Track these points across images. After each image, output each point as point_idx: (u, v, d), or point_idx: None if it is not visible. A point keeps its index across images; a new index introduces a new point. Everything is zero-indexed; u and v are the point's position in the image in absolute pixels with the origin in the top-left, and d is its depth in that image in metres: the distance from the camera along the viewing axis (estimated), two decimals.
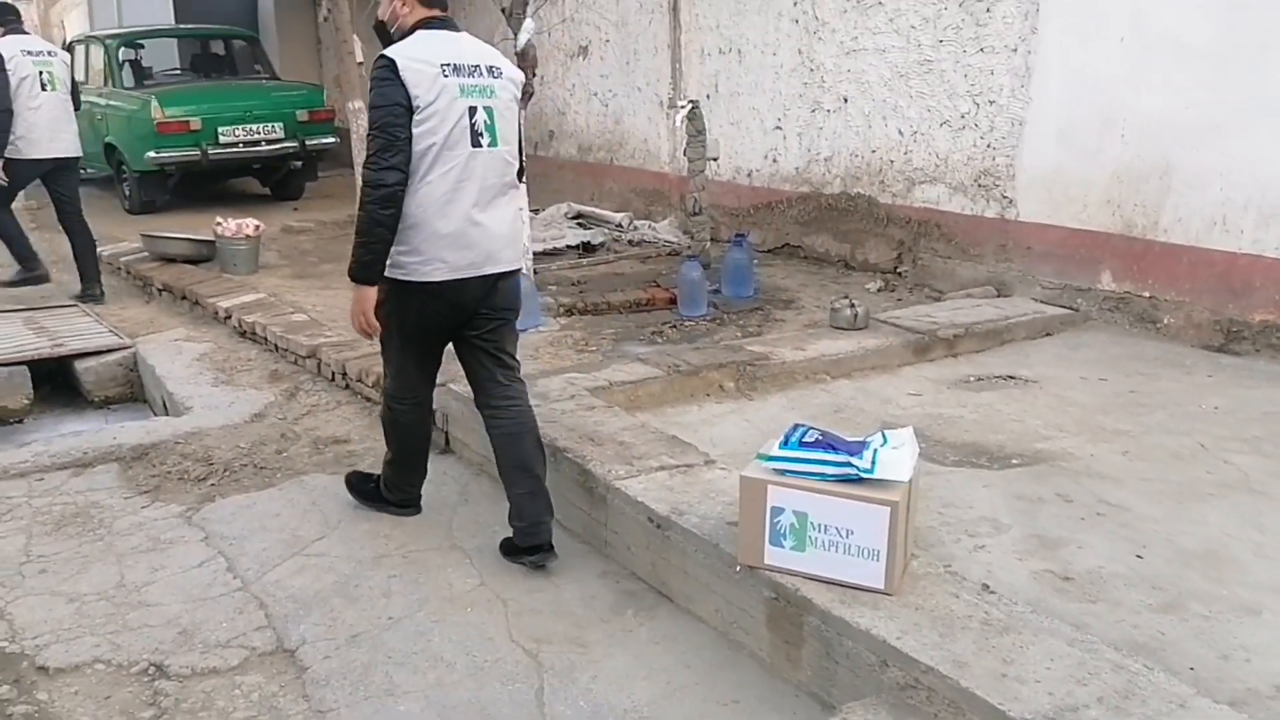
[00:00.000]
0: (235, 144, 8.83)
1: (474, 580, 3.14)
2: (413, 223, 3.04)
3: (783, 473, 2.56)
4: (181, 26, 11.21)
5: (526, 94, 6.44)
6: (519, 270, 3.38)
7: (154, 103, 8.46)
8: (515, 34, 6.28)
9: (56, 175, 6.81)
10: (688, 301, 5.79)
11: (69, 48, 10.27)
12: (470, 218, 3.09)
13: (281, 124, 9.03)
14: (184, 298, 6.47)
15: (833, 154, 6.80)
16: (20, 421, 5.26)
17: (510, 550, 3.24)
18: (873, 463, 2.49)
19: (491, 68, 3.13)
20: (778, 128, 7.17)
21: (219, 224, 6.91)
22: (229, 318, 5.91)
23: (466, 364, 3.33)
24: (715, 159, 6.67)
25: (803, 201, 7.04)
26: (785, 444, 2.60)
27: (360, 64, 8.63)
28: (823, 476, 2.52)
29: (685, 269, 5.82)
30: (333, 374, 4.92)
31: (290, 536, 3.45)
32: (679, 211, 8.09)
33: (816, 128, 6.88)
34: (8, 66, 6.41)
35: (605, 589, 3.08)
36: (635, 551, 3.12)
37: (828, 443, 2.57)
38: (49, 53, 6.77)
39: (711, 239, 6.72)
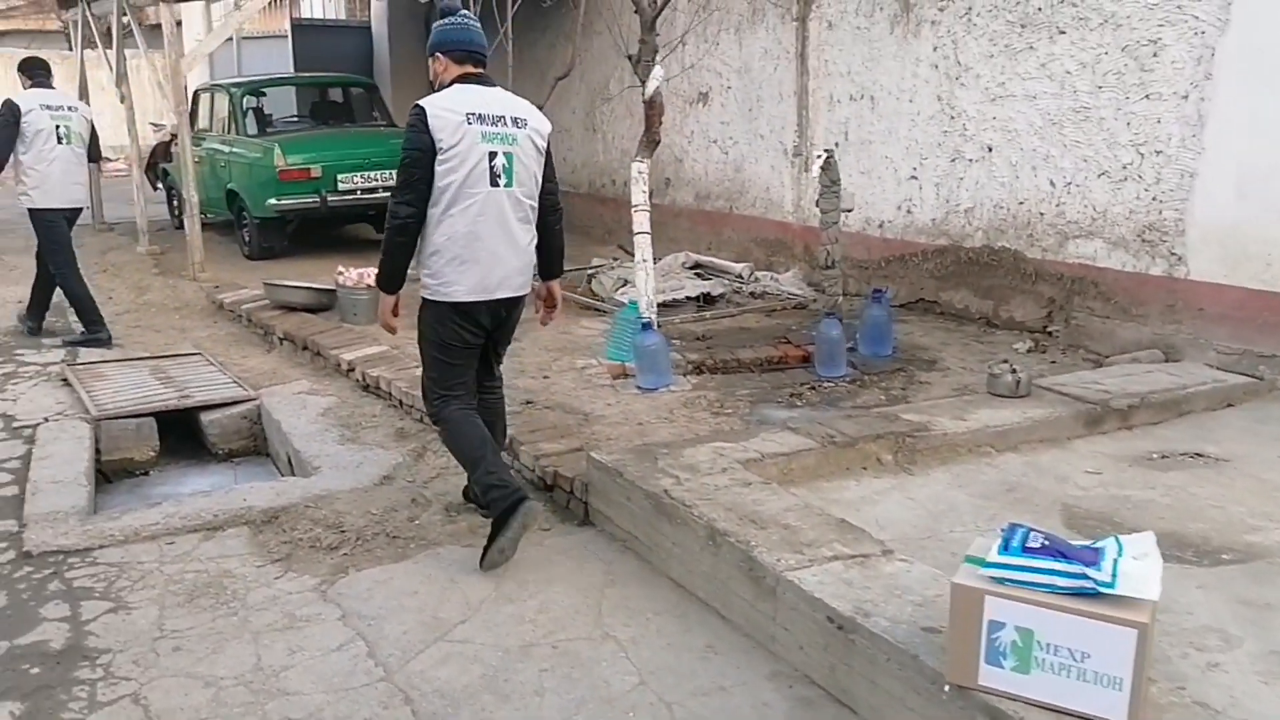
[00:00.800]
0: (354, 191, 8.88)
1: (632, 679, 2.89)
2: (435, 249, 3.58)
3: (1003, 581, 2.26)
4: (302, 75, 11.41)
5: (653, 142, 6.33)
6: (522, 296, 3.83)
7: (277, 150, 8.57)
8: (643, 82, 6.13)
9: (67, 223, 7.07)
10: (826, 361, 5.51)
11: (194, 97, 10.52)
12: (487, 248, 3.60)
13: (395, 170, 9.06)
14: (305, 348, 6.42)
15: (974, 205, 6.47)
16: (146, 473, 5.22)
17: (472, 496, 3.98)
18: (1113, 575, 2.17)
19: (516, 119, 3.62)
20: (913, 177, 6.87)
21: (340, 273, 6.87)
22: (352, 370, 5.82)
23: None
24: (850, 210, 6.39)
25: (939, 255, 6.72)
26: (1005, 548, 2.30)
27: None
28: (1053, 589, 2.20)
29: (824, 326, 5.54)
30: None
31: (431, 619, 3.24)
32: (802, 263, 7.83)
33: (956, 177, 6.56)
34: (24, 119, 6.69)
35: (778, 695, 2.80)
36: (810, 652, 2.84)
37: (1056, 549, 2.26)
38: (69, 108, 7.01)
39: (842, 293, 6.43)
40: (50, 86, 7.09)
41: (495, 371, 4.03)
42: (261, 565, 3.65)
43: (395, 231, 3.58)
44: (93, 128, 7.25)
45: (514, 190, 3.63)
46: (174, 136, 10.96)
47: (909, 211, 6.95)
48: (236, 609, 3.33)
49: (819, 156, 6.08)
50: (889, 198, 7.07)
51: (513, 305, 3.80)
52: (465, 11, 3.79)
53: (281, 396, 5.60)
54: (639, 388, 5.33)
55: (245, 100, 9.71)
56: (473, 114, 3.50)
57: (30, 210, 6.87)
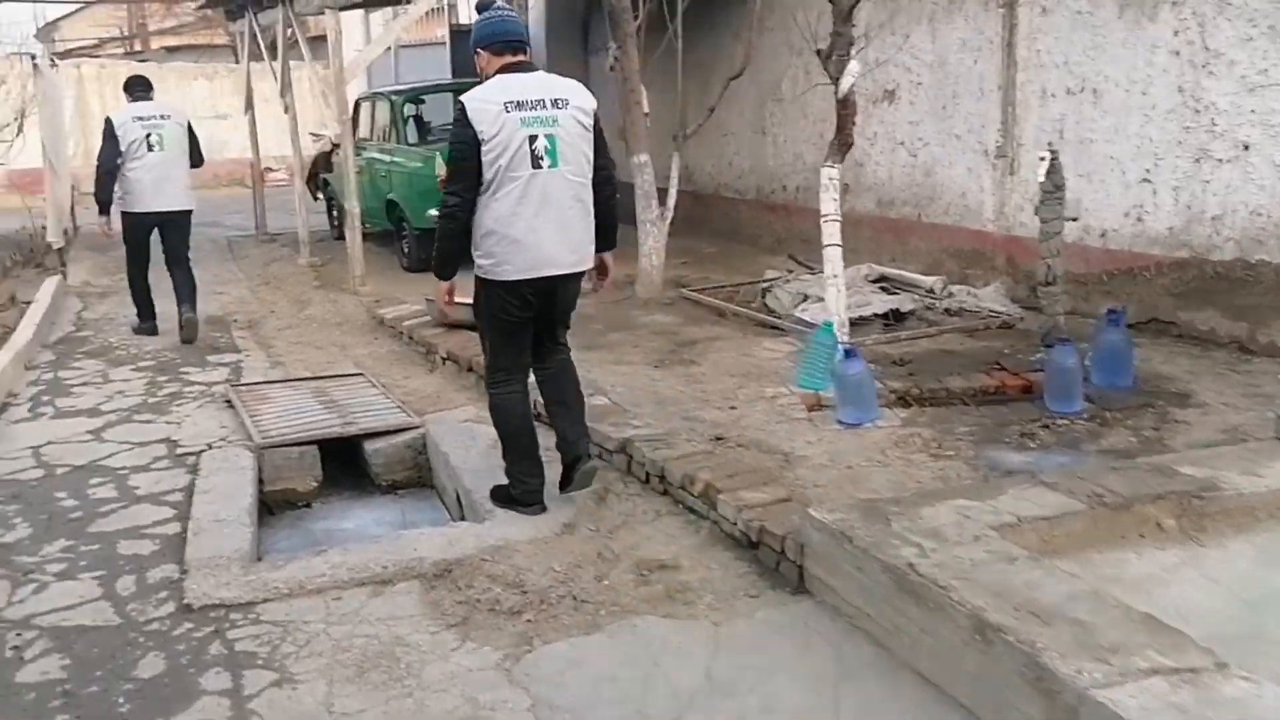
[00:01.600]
0: None
1: None
2: (486, 231, 3.77)
3: None
4: (465, 80, 11.14)
5: (846, 145, 5.74)
6: (579, 274, 3.99)
7: (438, 159, 8.31)
8: (835, 79, 5.55)
9: (165, 227, 7.57)
10: (1058, 393, 4.81)
11: (354, 106, 10.45)
12: (533, 228, 3.74)
13: None
14: (470, 370, 6.07)
15: (1224, 212, 5.63)
16: (308, 505, 4.94)
17: (564, 477, 4.10)
18: None
19: (557, 100, 3.76)
20: (1145, 180, 6.06)
21: None
22: None
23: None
24: (1075, 219, 5.65)
25: (1178, 268, 5.89)
26: None
27: (647, 115, 8.19)
28: None
29: (1057, 353, 4.84)
30: (646, 474, 4.28)
31: (635, 714, 2.75)
32: (1005, 276, 7.08)
33: (1201, 180, 5.73)
34: (117, 132, 7.34)
35: None
36: None
37: None
38: (161, 116, 7.54)
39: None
40: (148, 99, 7.68)
41: (560, 338, 4.18)
42: (436, 631, 3.24)
43: (445, 219, 3.84)
44: (191, 134, 7.67)
45: (560, 170, 3.78)
46: (335, 146, 10.97)
47: (1139, 219, 6.14)
48: (411, 689, 2.92)
49: (1042, 158, 5.38)
50: (1114, 203, 6.28)
51: (565, 281, 3.94)
52: (501, 4, 3.99)
53: (448, 425, 5.25)
54: (840, 422, 4.76)
55: (406, 108, 9.54)
56: (510, 102, 3.69)
57: (121, 213, 7.51)
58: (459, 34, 12.74)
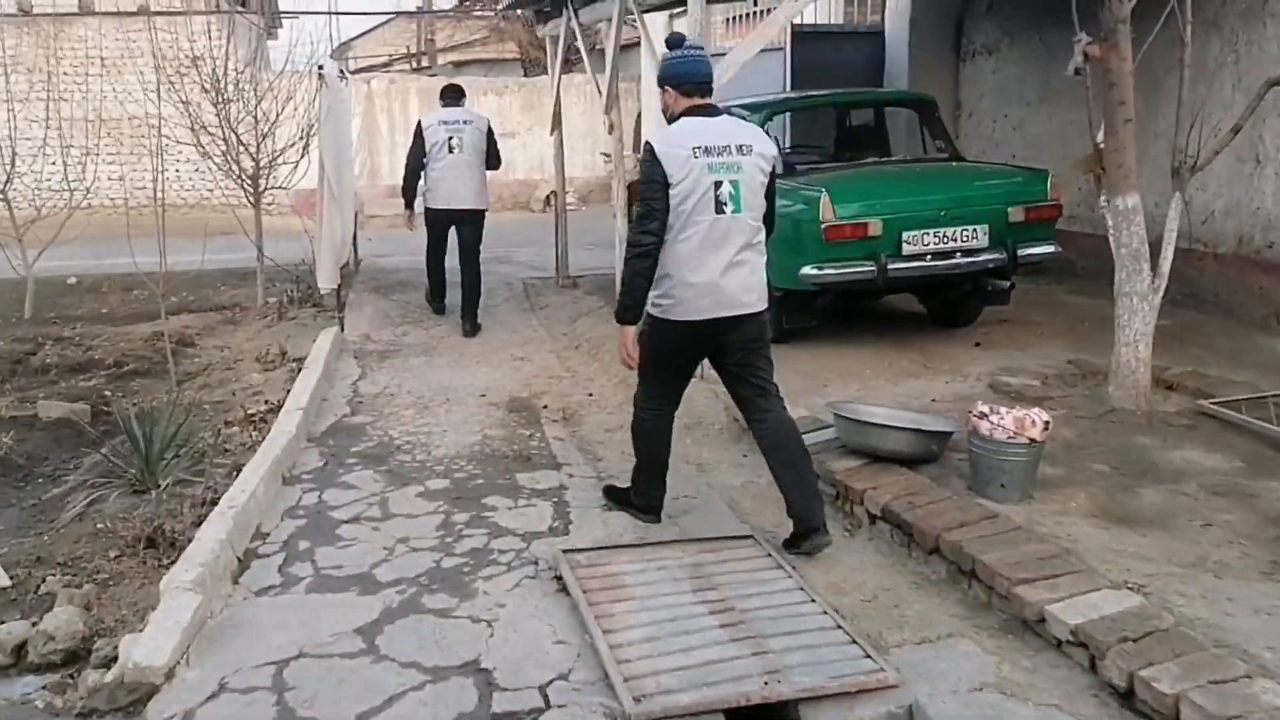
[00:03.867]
0: (921, 256, 6.22)
1: None
2: (665, 273, 3.93)
3: None
4: (838, 92, 8.83)
5: None
6: (760, 312, 4.05)
7: (824, 199, 6.10)
8: None
9: (459, 224, 8.31)
10: None
11: None
12: (713, 271, 3.88)
13: (986, 226, 6.28)
14: (936, 551, 3.79)
15: None
16: None
17: (791, 542, 4.04)
18: None
19: (742, 146, 3.88)
20: None
21: (982, 414, 4.17)
22: (1067, 643, 3.08)
23: (731, 390, 4.25)
24: None
25: None
26: None
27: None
28: None
29: None
30: None
31: None
32: None
33: None
34: (424, 133, 8.22)
35: None
36: None
37: None
38: (464, 121, 8.29)
39: None
40: (457, 105, 8.46)
41: (766, 381, 4.16)
42: None
43: (639, 259, 3.90)
44: (490, 137, 8.35)
45: (742, 216, 3.89)
46: None
47: None
48: None
49: None
50: None
51: (741, 323, 3.99)
52: (692, 43, 4.04)
53: (946, 694, 2.97)
54: None
55: (764, 126, 7.33)
56: (699, 147, 3.81)
57: (425, 208, 8.39)
58: (803, 37, 10.56)
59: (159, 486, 5.00)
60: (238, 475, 4.87)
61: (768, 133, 5.00)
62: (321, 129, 7.89)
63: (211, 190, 12.15)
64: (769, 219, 4.06)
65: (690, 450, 5.36)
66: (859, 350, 6.73)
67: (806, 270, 6.26)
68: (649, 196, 3.84)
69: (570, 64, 21.96)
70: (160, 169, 7.78)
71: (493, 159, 8.37)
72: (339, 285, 8.45)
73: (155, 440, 5.21)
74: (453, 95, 8.54)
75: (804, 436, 4.25)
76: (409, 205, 8.53)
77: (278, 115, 10.71)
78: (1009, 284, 6.87)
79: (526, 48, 20.24)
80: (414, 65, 27.69)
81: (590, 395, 6.47)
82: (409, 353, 7.70)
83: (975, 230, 6.28)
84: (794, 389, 5.95)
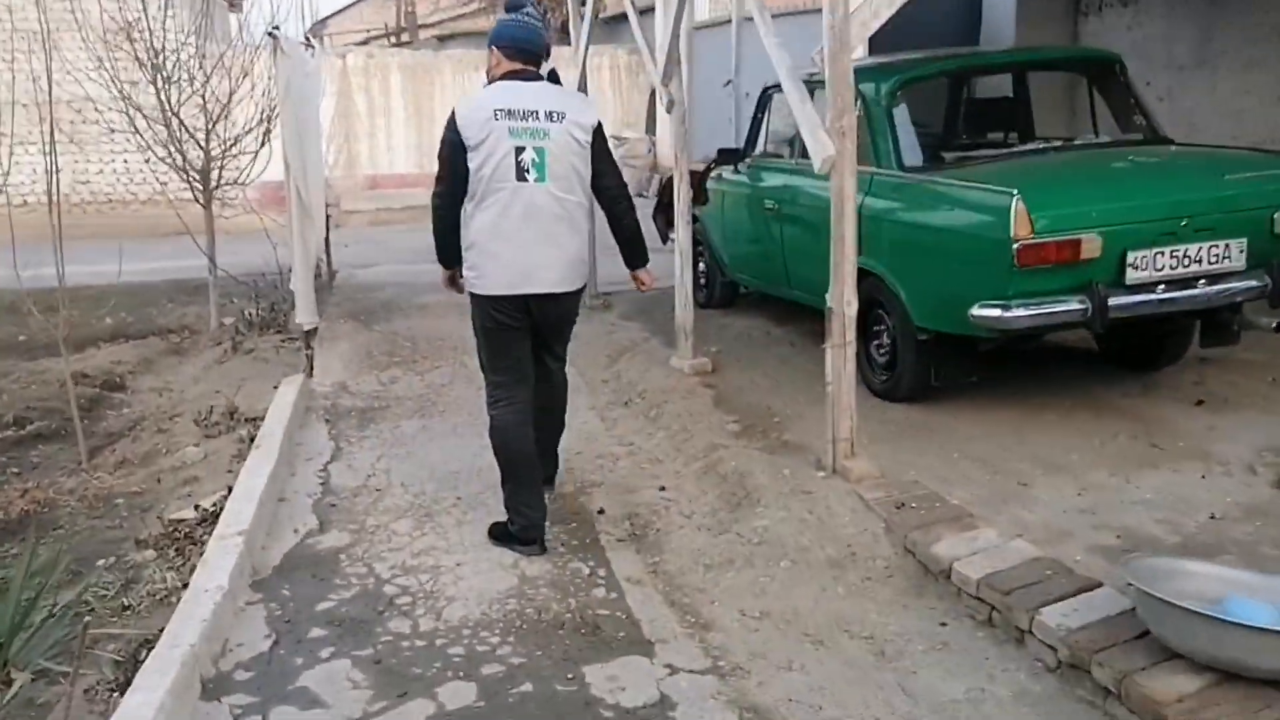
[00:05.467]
0: (1152, 284, 4.25)
1: None
2: (470, 244, 3.85)
3: None
4: (994, 51, 6.68)
5: None
6: (573, 293, 3.96)
7: (1016, 205, 4.11)
8: None
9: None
10: None
11: (765, 93, 6.47)
12: (517, 245, 3.77)
13: (1244, 240, 4.32)
14: None
15: None
16: None
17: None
18: None
19: (552, 113, 3.74)
20: None
21: None
22: None
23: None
24: None
25: None
26: None
27: None
28: None
29: None
30: None
31: None
32: None
33: None
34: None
35: None
36: None
37: None
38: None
39: None
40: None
41: (557, 356, 4.18)
42: None
43: (433, 213, 3.96)
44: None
45: (548, 186, 3.76)
46: (711, 165, 7.07)
47: None
48: None
49: None
50: None
51: (552, 301, 3.88)
52: (530, 10, 3.88)
53: None
54: None
55: (895, 101, 5.17)
56: (501, 110, 3.71)
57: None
58: None
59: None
60: (128, 675, 2.94)
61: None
62: (281, 110, 5.91)
63: (164, 184, 10.13)
64: (607, 195, 3.98)
65: (848, 609, 3.40)
66: (1033, 414, 4.79)
67: (983, 311, 4.28)
68: (443, 158, 3.81)
69: (566, 33, 19.92)
70: (53, 160, 5.74)
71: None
72: (314, 328, 6.45)
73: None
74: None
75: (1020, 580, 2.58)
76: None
77: (230, 95, 8.70)
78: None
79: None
80: (393, 42, 25.58)
81: (663, 490, 4.50)
82: (399, 412, 5.71)
83: (1229, 246, 4.32)
84: (979, 490, 4.03)
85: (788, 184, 5.91)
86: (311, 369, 6.36)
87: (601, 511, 4.33)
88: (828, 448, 4.19)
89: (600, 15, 19.75)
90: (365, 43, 25.18)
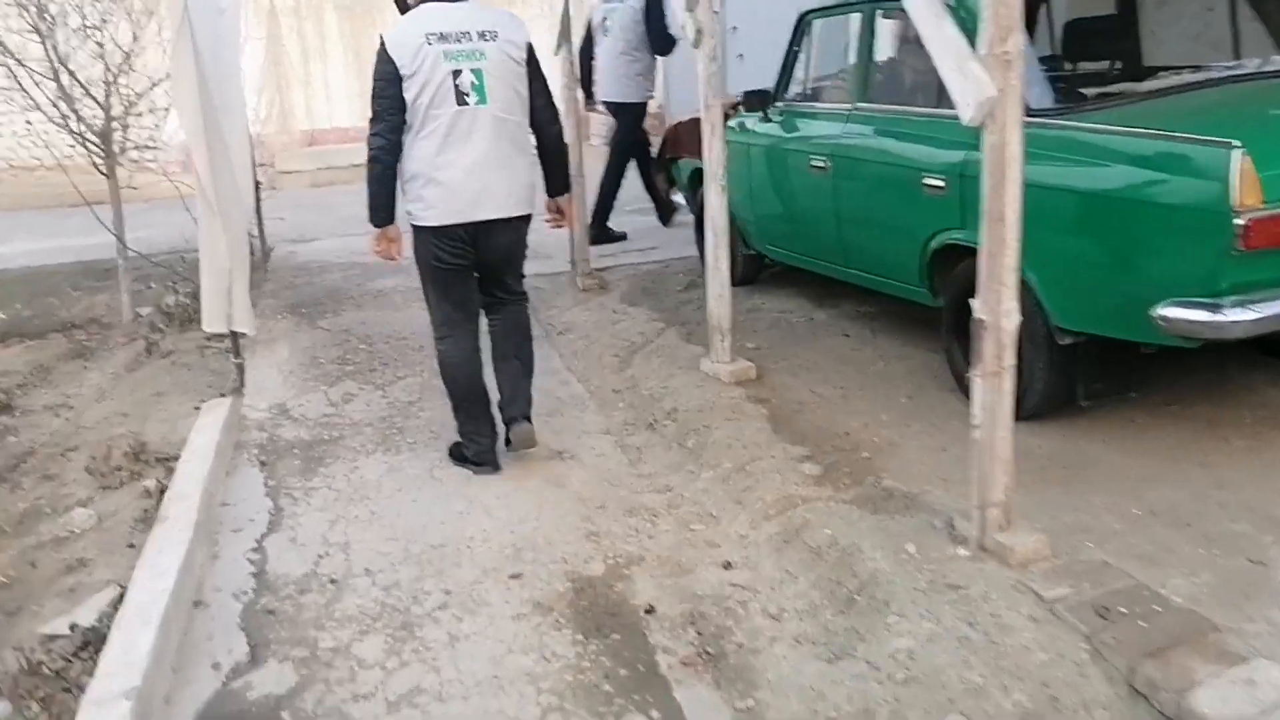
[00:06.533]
0: None
1: None
2: (412, 174, 3.71)
3: None
4: None
5: None
6: (521, 218, 3.83)
7: (1237, 162, 2.87)
8: None
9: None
10: None
11: (803, 20, 5.16)
12: (462, 169, 3.66)
13: None
14: None
15: None
16: None
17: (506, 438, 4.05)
18: None
19: (484, 32, 3.63)
20: None
21: None
22: None
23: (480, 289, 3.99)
24: None
25: None
26: None
27: None
28: None
29: None
30: None
31: None
32: None
33: None
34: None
35: None
36: None
37: None
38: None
39: None
40: None
41: (511, 288, 4.02)
42: None
43: (370, 162, 3.70)
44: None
45: (489, 108, 3.66)
46: (731, 111, 5.74)
47: None
48: None
49: None
50: None
51: (501, 227, 3.79)
52: None
53: None
54: None
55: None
56: (433, 34, 3.58)
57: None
58: None
59: None
60: None
61: None
62: (175, 58, 4.48)
63: (73, 148, 8.60)
64: (540, 116, 3.84)
65: None
66: (1212, 439, 3.60)
67: (1178, 312, 3.06)
68: (377, 94, 3.63)
69: None
70: None
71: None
72: (242, 333, 5.08)
73: None
74: None
75: None
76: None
77: (134, 39, 7.21)
78: None
79: None
80: None
81: (728, 566, 3.26)
82: (357, 445, 4.40)
83: None
84: (1202, 575, 2.80)
85: (846, 133, 4.62)
86: (242, 384, 5.02)
87: (650, 610, 3.09)
88: (973, 514, 2.96)
89: None
90: None
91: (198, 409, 5.00)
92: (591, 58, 7.50)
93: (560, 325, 5.79)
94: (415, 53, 3.56)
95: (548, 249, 7.43)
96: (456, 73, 3.58)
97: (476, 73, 3.59)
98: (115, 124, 7.04)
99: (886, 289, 4.56)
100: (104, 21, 7.03)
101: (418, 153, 3.66)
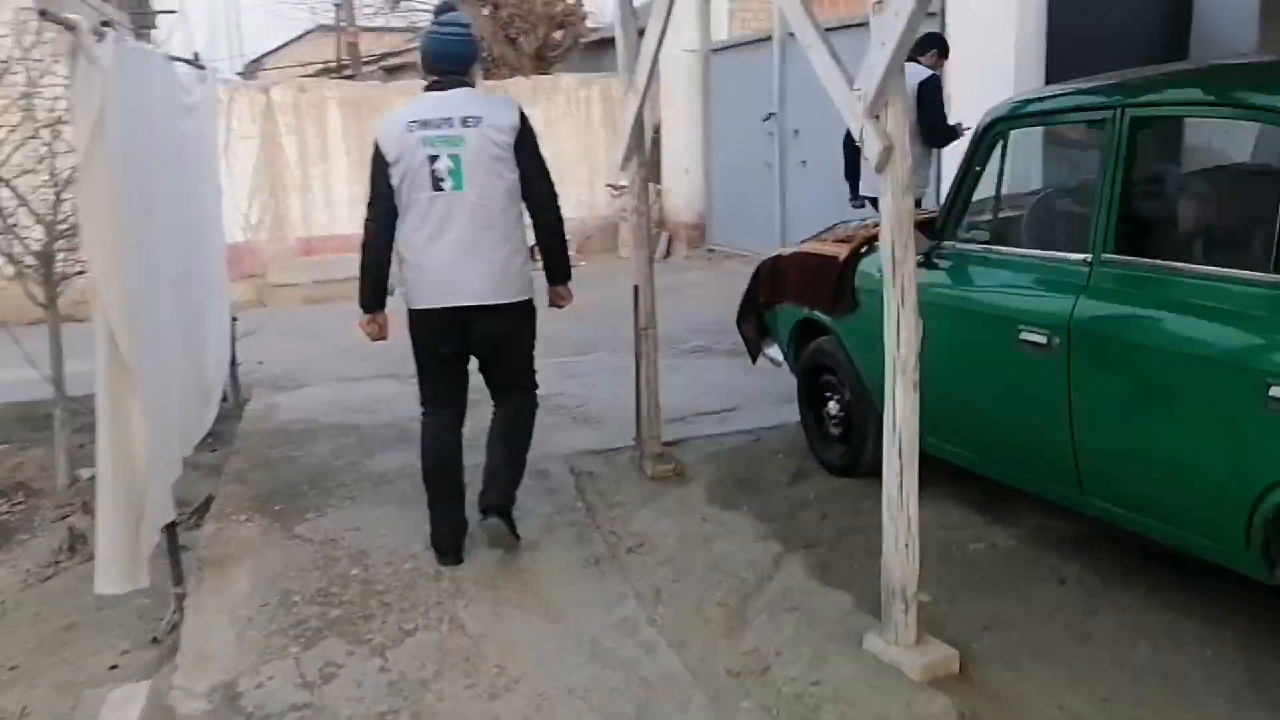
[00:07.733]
0: None
1: None
2: (401, 258, 3.79)
3: None
4: None
5: None
6: (507, 305, 3.77)
7: None
8: None
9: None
10: None
11: (984, 134, 3.68)
12: (439, 255, 3.71)
13: None
14: None
15: None
16: None
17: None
18: None
19: (467, 118, 3.65)
20: None
21: None
22: None
23: (483, 374, 3.98)
24: None
25: None
26: None
27: None
28: None
29: None
30: None
31: None
32: None
33: None
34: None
35: None
36: None
37: None
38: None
39: None
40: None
41: (515, 380, 3.97)
42: None
43: (362, 247, 3.81)
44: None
45: (465, 194, 3.67)
46: (860, 248, 4.28)
47: None
48: None
49: None
50: None
51: (484, 315, 3.76)
52: (452, 19, 3.80)
53: None
54: None
55: None
56: (415, 121, 3.66)
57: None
58: None
59: None
60: None
61: None
62: (86, 162, 2.99)
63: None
64: (533, 201, 3.80)
65: None
66: None
67: None
68: (371, 181, 3.76)
69: (550, 61, 17.13)
70: None
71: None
72: (175, 522, 3.52)
73: None
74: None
75: None
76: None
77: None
78: None
79: (489, 43, 15.33)
80: (338, 75, 22.73)
81: None
82: None
83: None
84: None
85: (1091, 299, 3.11)
86: (175, 651, 3.41)
87: None
88: None
89: (581, 41, 17.12)
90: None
91: (114, 669, 3.45)
92: (858, 149, 6.65)
93: (629, 538, 4.16)
94: (398, 139, 3.65)
95: (597, 411, 5.78)
96: (434, 158, 3.63)
97: (454, 159, 3.63)
98: (61, 241, 5.66)
99: (1169, 540, 3.00)
100: (60, 122, 5.66)
101: (403, 237, 3.76)
